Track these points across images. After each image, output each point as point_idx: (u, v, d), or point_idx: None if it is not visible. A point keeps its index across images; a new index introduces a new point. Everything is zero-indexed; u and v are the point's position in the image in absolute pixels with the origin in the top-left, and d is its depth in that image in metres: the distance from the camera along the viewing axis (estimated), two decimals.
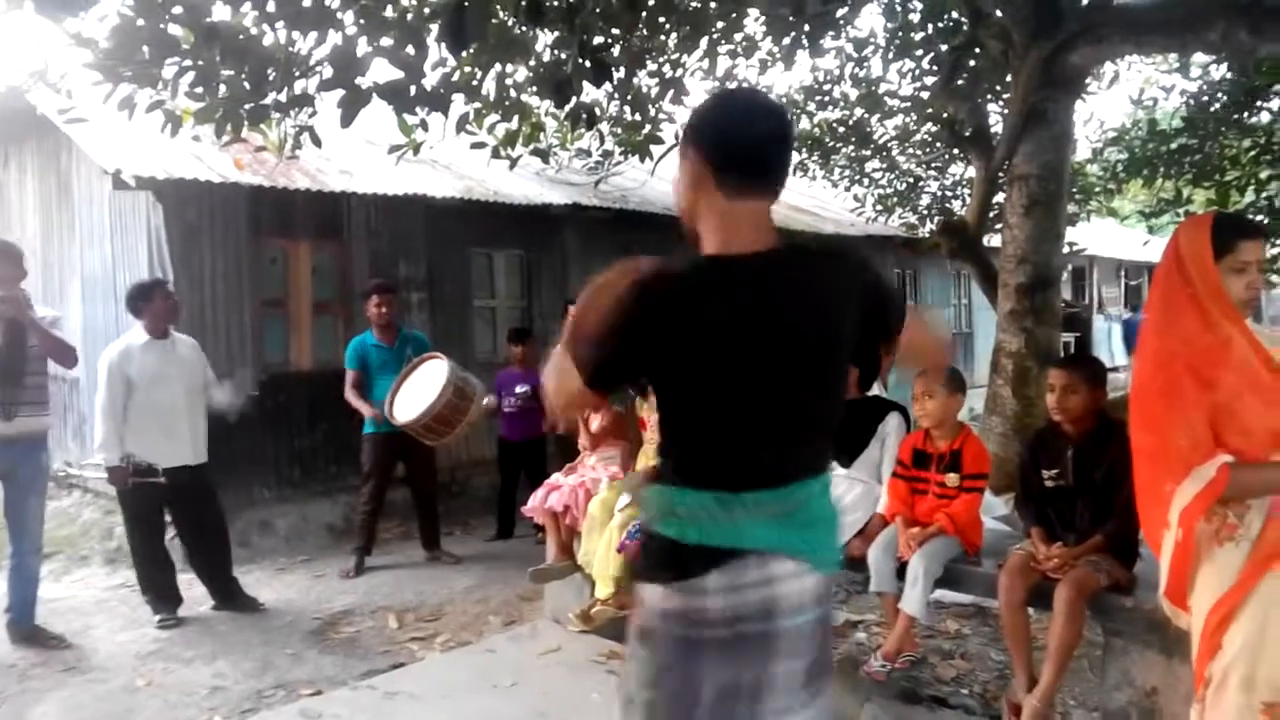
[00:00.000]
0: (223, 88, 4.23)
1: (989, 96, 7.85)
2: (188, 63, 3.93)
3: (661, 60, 6.19)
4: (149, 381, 4.61)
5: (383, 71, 4.34)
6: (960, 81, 7.01)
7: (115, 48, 3.83)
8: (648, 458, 4.13)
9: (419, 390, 4.90)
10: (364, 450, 5.67)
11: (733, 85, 7.73)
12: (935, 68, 7.42)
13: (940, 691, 3.52)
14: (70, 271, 7.13)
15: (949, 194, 10.80)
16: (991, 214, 7.48)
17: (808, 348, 1.55)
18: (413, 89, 4.29)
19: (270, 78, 4.16)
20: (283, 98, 4.32)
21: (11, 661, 4.20)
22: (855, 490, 3.33)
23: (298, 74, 4.27)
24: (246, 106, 4.21)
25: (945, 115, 7.61)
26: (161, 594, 4.77)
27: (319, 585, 5.48)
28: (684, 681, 1.55)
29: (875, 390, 3.44)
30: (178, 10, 3.73)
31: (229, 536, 5.09)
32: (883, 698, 3.29)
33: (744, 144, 1.55)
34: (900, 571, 3.10)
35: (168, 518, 4.91)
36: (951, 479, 3.16)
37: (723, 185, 1.55)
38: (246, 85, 4.06)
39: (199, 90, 4.17)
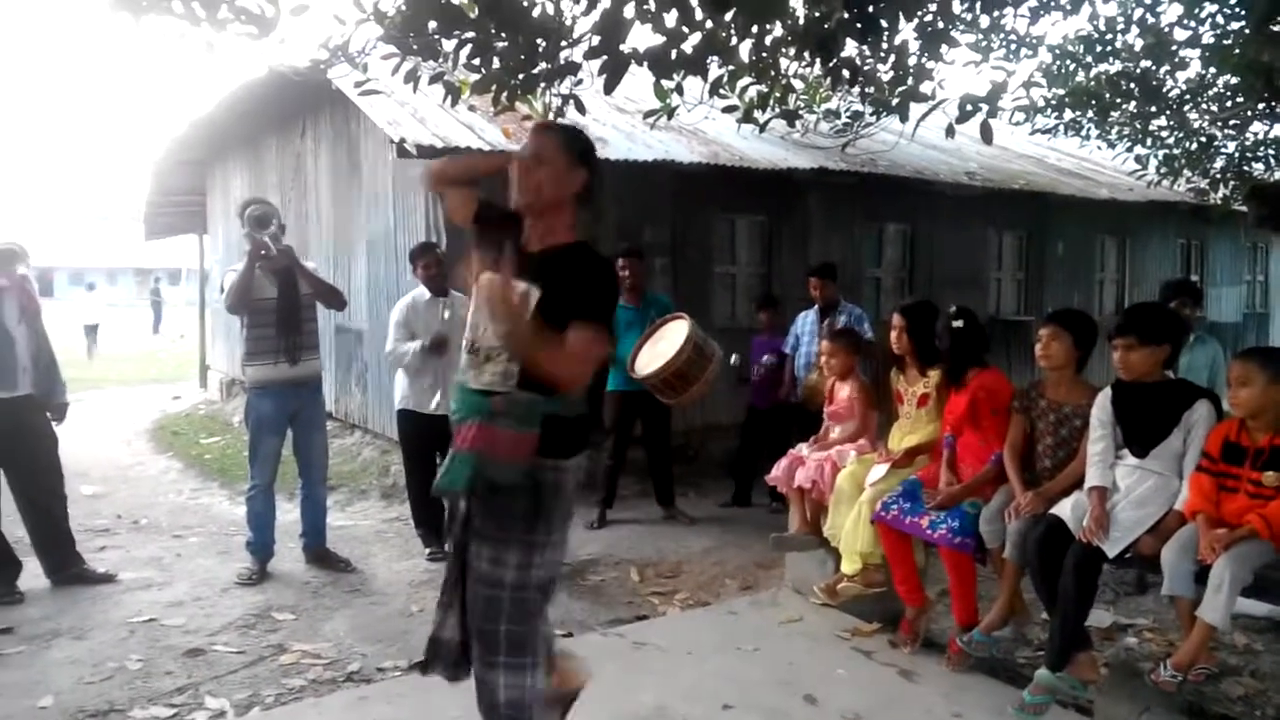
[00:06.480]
0: (496, 59, 4.45)
1: None
2: (469, 35, 4.16)
3: (923, 13, 5.81)
4: (426, 335, 5.02)
5: (644, 38, 4.40)
6: (1277, 26, 6.09)
7: (406, 21, 4.12)
8: (903, 433, 3.97)
9: (661, 347, 5.01)
10: (605, 406, 5.89)
11: (998, 38, 7.19)
12: (1243, 11, 6.48)
13: (1229, 710, 3.16)
14: (357, 233, 7.85)
15: (1249, 155, 9.47)
16: None
17: None
18: (673, 53, 4.32)
19: (541, 48, 4.32)
20: (550, 67, 4.48)
21: (306, 579, 4.71)
22: (1149, 482, 2.99)
23: (565, 44, 4.40)
24: (519, 76, 4.41)
25: (1249, 63, 6.64)
26: (432, 529, 5.17)
27: None
28: None
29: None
30: None
31: None
32: (1163, 709, 2.99)
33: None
34: (1199, 575, 2.77)
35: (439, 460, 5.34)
36: (1270, 477, 2.77)
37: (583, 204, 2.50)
38: (521, 56, 4.25)
39: (476, 61, 4.40)
